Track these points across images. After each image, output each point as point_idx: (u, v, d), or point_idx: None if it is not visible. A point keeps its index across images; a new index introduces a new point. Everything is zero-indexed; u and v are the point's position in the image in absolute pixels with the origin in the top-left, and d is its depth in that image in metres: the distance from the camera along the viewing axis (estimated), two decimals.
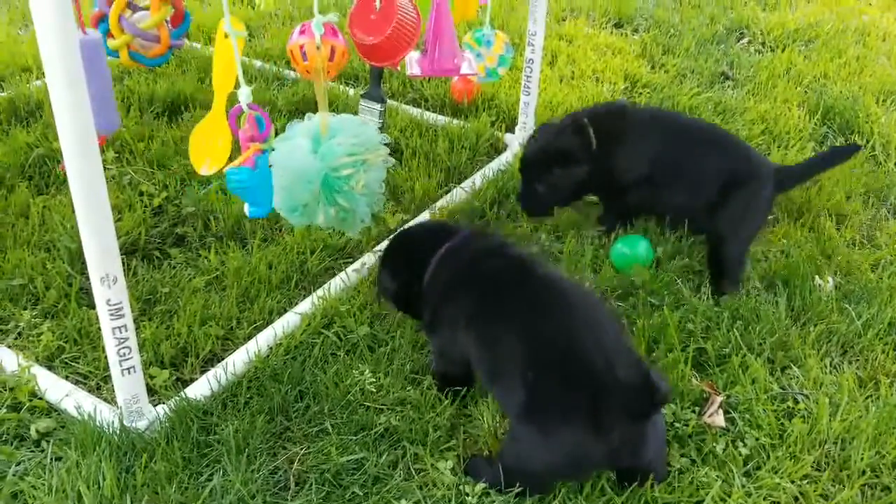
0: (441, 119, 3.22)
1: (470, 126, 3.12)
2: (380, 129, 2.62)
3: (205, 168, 1.81)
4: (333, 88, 3.38)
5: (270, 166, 1.77)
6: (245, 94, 1.73)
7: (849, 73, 3.88)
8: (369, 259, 2.36)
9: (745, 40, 4.33)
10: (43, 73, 3.29)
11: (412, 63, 2.34)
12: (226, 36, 1.69)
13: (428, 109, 3.33)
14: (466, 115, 3.29)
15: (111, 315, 1.59)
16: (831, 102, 3.47)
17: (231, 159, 1.82)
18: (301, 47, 1.90)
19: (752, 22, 4.55)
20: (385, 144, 1.87)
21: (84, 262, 1.56)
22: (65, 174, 2.51)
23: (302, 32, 1.91)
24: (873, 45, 4.28)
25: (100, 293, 1.56)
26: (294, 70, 2.46)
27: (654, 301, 2.23)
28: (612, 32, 4.41)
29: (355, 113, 2.69)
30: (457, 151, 2.98)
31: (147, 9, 2.31)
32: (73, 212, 1.50)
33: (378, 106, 2.48)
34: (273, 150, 1.78)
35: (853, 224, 2.70)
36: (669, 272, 2.35)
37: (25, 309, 2.14)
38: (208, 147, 1.80)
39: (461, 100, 3.39)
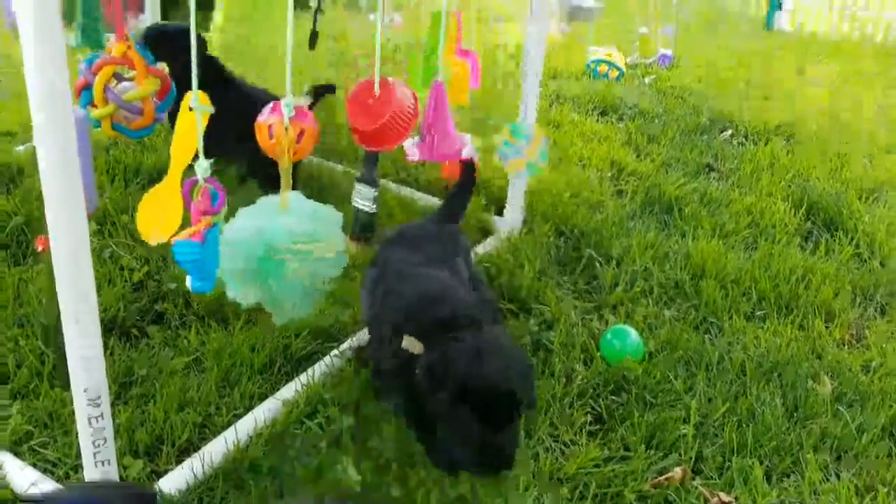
0: (433, 200, 3.21)
1: None
2: (373, 213, 2.61)
3: (152, 237, 1.76)
4: (322, 165, 3.36)
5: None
6: (203, 168, 1.69)
7: (831, 170, 3.95)
8: (356, 341, 2.30)
9: (728, 133, 4.40)
10: (25, 139, 3.26)
11: (411, 148, 2.33)
12: (190, 109, 1.66)
13: (419, 189, 3.31)
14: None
15: (88, 402, 1.50)
16: (815, 198, 3.51)
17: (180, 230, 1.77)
18: (269, 126, 1.88)
19: (734, 115, 4.64)
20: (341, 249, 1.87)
21: (59, 340, 1.49)
22: (43, 250, 2.45)
23: (273, 111, 1.89)
24: (854, 143, 4.37)
25: (77, 379, 1.48)
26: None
27: (648, 397, 2.18)
28: (598, 120, 4.47)
29: (347, 192, 2.66)
30: None
31: (133, 80, 2.29)
32: (51, 285, 1.43)
33: (372, 190, 2.45)
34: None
35: (842, 323, 2.68)
36: (661, 365, 2.31)
37: None
38: (158, 216, 1.75)
39: (451, 178, 3.38)
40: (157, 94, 2.31)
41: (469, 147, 2.49)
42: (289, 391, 2.09)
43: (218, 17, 2.11)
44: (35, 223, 2.65)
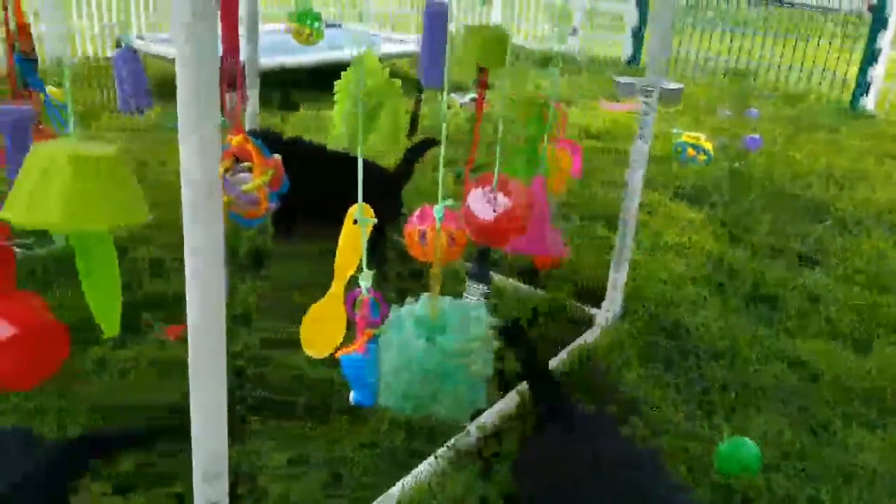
0: (524, 288, 3.15)
1: (550, 297, 3.08)
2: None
3: (317, 351, 1.74)
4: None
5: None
6: (367, 279, 1.68)
7: None
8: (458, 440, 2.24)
9: (828, 222, 4.25)
10: None
11: None
12: (355, 222, 1.65)
13: (509, 276, 3.26)
14: (544, 285, 3.21)
15: None
16: None
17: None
18: (420, 232, 1.87)
19: (830, 202, 4.51)
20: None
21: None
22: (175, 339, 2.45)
23: (421, 218, 1.88)
24: None
25: (201, 492, 1.44)
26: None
27: None
28: (689, 205, 4.38)
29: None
30: (539, 324, 2.90)
31: (248, 170, 2.31)
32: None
33: (484, 287, 2.42)
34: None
35: None
36: (781, 478, 2.18)
37: None
38: (322, 329, 1.74)
39: (543, 268, 3.32)
40: (270, 184, 2.34)
41: (560, 244, 2.46)
42: (395, 490, 2.03)
43: (337, 126, 2.12)
44: (138, 305, 2.69)
